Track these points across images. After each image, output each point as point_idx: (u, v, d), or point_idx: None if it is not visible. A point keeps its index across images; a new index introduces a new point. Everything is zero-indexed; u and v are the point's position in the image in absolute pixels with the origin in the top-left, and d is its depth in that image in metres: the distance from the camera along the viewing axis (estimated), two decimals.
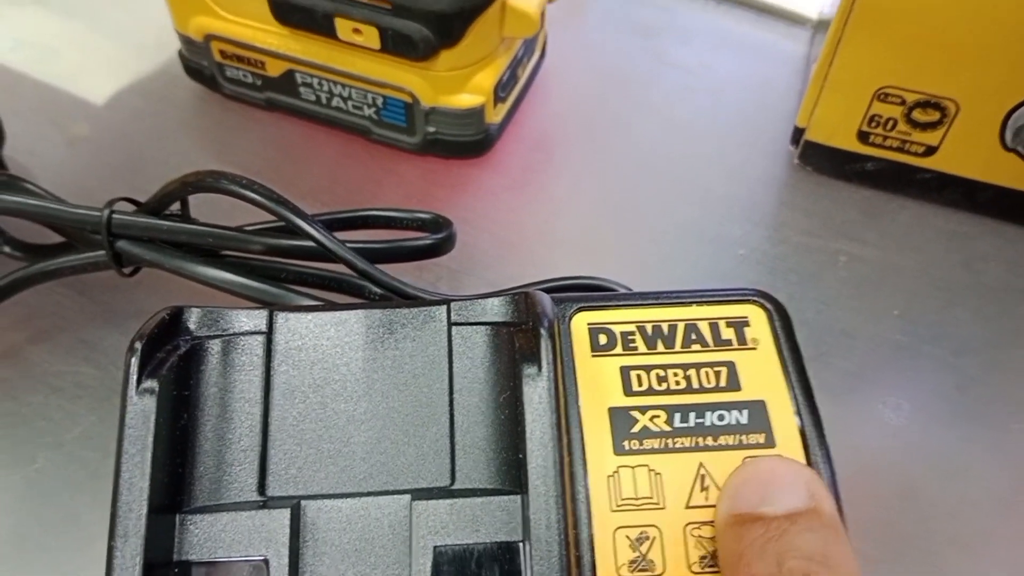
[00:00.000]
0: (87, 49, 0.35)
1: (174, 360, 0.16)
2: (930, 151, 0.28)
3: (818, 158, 0.30)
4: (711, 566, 0.15)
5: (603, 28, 0.35)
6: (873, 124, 0.28)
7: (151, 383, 0.15)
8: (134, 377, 0.15)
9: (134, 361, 0.15)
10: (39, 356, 0.26)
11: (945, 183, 0.28)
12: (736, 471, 0.16)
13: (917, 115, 0.27)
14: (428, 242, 0.23)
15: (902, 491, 0.24)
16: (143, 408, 0.15)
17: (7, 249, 0.28)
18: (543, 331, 0.16)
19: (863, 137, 0.28)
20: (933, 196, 0.29)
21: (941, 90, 0.26)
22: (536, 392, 0.15)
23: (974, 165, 0.28)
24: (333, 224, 0.24)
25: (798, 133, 0.30)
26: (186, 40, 0.32)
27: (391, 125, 0.30)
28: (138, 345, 0.15)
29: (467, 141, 0.30)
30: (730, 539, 0.15)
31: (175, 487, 0.15)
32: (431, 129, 0.30)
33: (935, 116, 0.27)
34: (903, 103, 0.27)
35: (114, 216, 0.24)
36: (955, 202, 0.29)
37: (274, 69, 0.30)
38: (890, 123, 0.27)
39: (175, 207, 0.25)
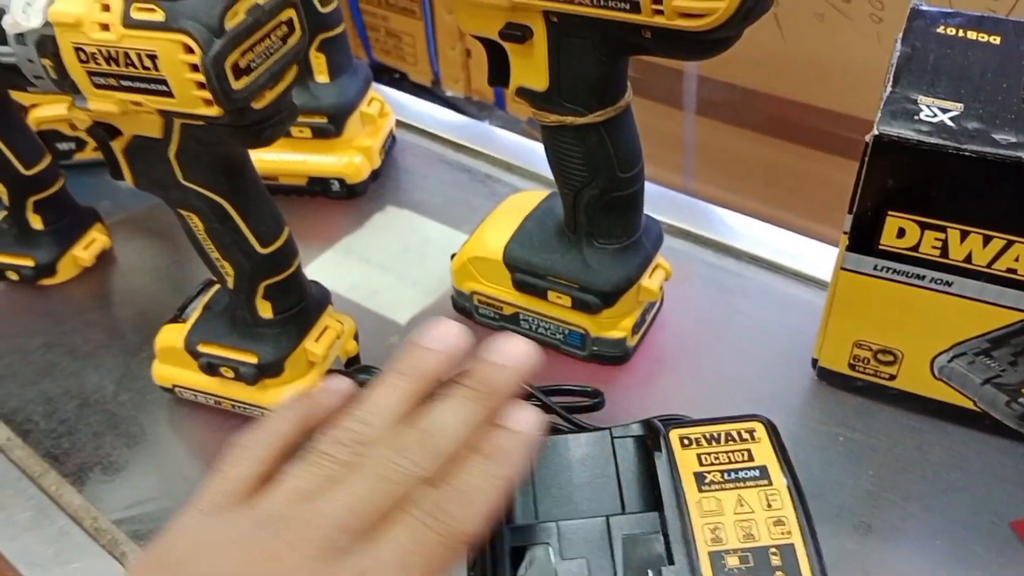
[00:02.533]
0: (396, 291, 0.60)
1: None
2: (892, 377, 0.47)
3: (827, 377, 0.49)
4: (747, 536, 0.34)
5: (698, 288, 0.57)
6: (856, 359, 0.47)
7: None
8: None
9: None
10: None
11: (904, 396, 0.47)
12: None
13: (880, 356, 0.46)
14: (593, 402, 0.45)
15: (861, 571, 0.41)
16: None
17: None
18: (662, 436, 0.37)
19: (851, 366, 0.48)
20: (898, 403, 0.47)
21: (891, 344, 0.45)
22: (662, 462, 0.36)
23: (919, 386, 0.46)
24: (547, 391, 0.46)
25: (815, 361, 0.49)
26: (458, 292, 0.56)
27: (572, 344, 0.53)
28: None
29: (615, 355, 0.52)
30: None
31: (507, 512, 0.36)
32: (595, 348, 0.52)
33: (890, 358, 0.46)
34: (871, 349, 0.46)
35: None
36: (912, 408, 0.47)
37: (508, 311, 0.54)
38: (866, 359, 0.47)
39: None
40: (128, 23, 0.36)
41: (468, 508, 0.26)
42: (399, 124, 0.74)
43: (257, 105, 0.38)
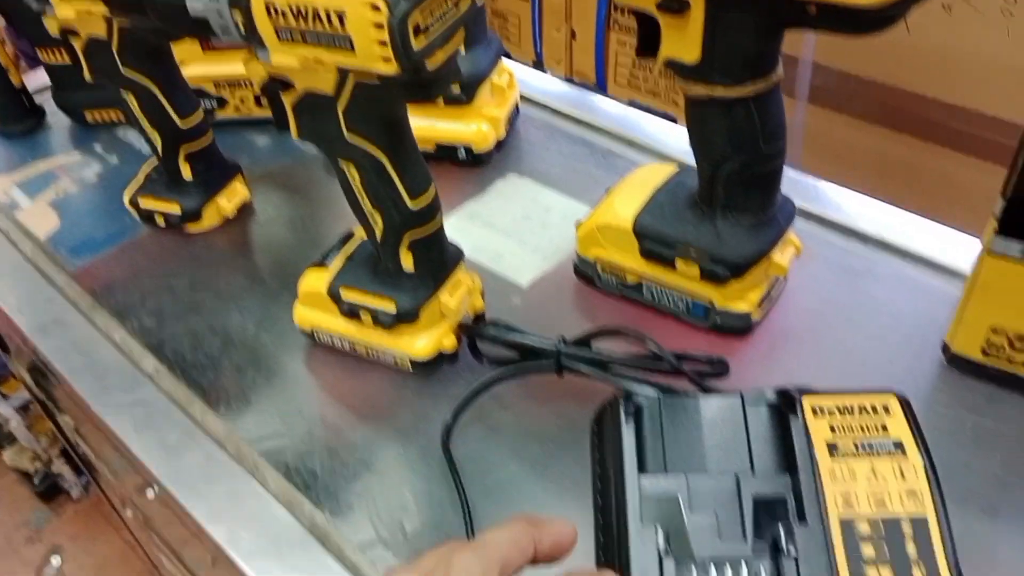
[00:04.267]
0: (517, 255, 0.62)
1: (632, 408, 0.39)
2: None
3: (957, 363, 0.49)
4: (879, 504, 0.35)
5: (823, 269, 0.57)
6: (990, 346, 0.47)
7: (630, 417, 0.39)
8: (623, 413, 0.39)
9: (622, 406, 0.39)
10: (506, 418, 0.51)
11: None
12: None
13: (1017, 344, 0.46)
14: (719, 370, 0.46)
15: (987, 554, 0.41)
16: (629, 428, 0.38)
17: (486, 361, 0.53)
18: (798, 403, 0.38)
19: (984, 353, 0.47)
20: None
21: None
22: (797, 428, 0.37)
23: None
24: (676, 355, 0.47)
25: (946, 346, 0.49)
26: (582, 258, 0.58)
27: (694, 315, 0.54)
28: (621, 402, 0.39)
29: (737, 328, 0.53)
30: None
31: (640, 463, 0.38)
32: (718, 320, 0.53)
33: None
34: (1007, 336, 0.46)
35: (562, 346, 0.49)
36: None
37: (631, 279, 0.55)
38: (1001, 347, 0.46)
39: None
40: None
41: None
42: (523, 98, 0.76)
43: (430, 64, 0.40)
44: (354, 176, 0.47)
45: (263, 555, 0.46)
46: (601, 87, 1.27)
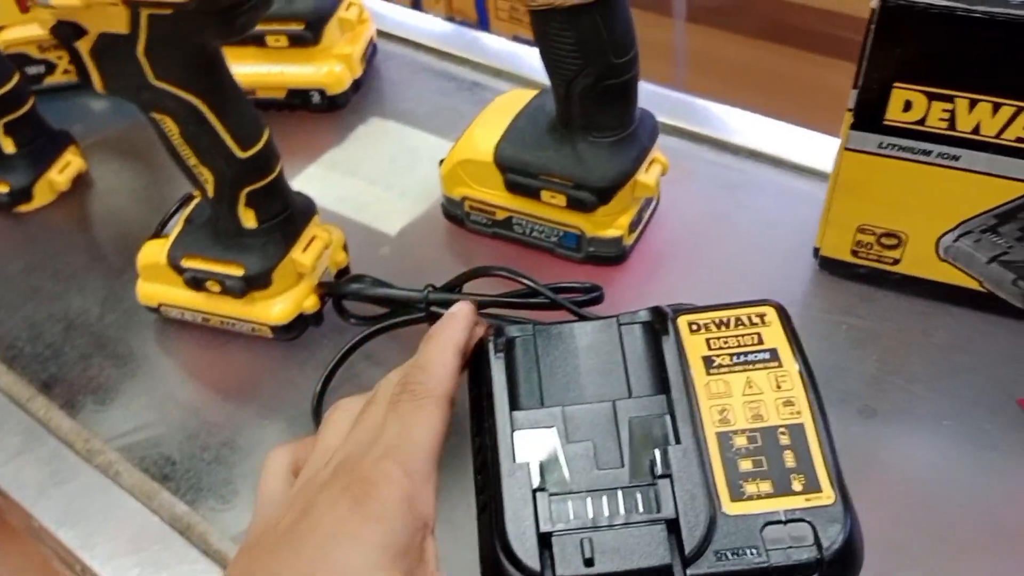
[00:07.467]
0: (384, 202, 0.58)
1: (502, 343, 0.37)
2: (895, 261, 0.46)
3: (829, 265, 0.48)
4: (756, 416, 0.34)
5: (697, 186, 0.55)
6: (859, 245, 0.46)
7: (500, 353, 0.36)
8: (492, 349, 0.36)
9: (491, 342, 0.36)
10: (379, 376, 0.48)
11: (907, 281, 0.46)
12: None
13: (884, 240, 0.45)
14: (593, 296, 0.43)
15: (867, 454, 0.41)
16: (499, 364, 0.36)
17: (353, 320, 0.50)
18: (670, 320, 0.36)
19: (854, 253, 0.46)
20: (901, 289, 0.46)
21: (895, 226, 0.44)
22: (670, 346, 0.35)
23: (924, 269, 0.45)
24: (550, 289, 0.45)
25: (816, 250, 0.48)
26: (448, 199, 0.54)
27: (567, 247, 0.51)
28: (491, 336, 0.36)
29: (611, 255, 0.51)
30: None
31: (511, 399, 0.36)
32: (591, 249, 0.50)
33: (895, 241, 0.45)
34: (875, 233, 0.45)
35: (431, 294, 0.46)
36: (916, 292, 0.46)
37: (500, 215, 0.52)
38: (869, 245, 0.46)
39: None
40: None
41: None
42: (381, 35, 0.71)
43: None
44: (172, 129, 0.42)
45: (121, 555, 0.42)
46: (483, 24, 1.21)
